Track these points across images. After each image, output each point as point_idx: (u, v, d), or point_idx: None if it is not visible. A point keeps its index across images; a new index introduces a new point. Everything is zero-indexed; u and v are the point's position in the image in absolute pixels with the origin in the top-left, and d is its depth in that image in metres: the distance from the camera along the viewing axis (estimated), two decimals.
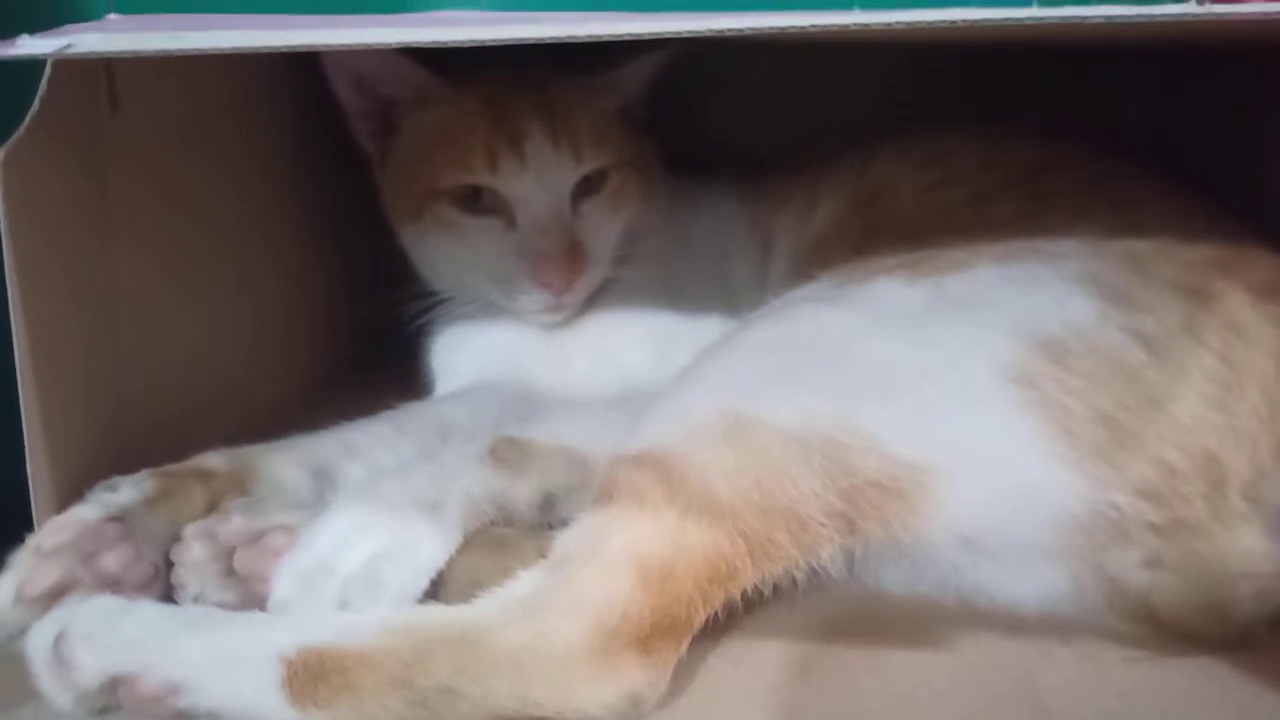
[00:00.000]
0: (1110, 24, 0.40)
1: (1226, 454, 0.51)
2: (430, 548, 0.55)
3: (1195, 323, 0.53)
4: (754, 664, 0.53)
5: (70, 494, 0.57)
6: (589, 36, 0.41)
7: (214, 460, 0.62)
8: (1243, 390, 0.52)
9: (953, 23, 0.42)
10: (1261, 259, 0.58)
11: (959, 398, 0.52)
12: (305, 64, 0.73)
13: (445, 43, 0.42)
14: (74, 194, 0.60)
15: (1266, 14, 0.40)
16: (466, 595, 0.51)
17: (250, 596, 0.55)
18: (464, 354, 0.80)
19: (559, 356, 0.77)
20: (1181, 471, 0.51)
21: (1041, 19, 0.40)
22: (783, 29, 0.41)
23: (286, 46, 0.43)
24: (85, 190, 0.61)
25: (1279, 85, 0.74)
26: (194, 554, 0.56)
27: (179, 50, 0.43)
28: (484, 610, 0.50)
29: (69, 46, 0.44)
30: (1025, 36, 0.56)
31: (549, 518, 0.60)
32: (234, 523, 0.57)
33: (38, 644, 0.49)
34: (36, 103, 0.54)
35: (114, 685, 0.48)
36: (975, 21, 0.42)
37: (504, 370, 0.77)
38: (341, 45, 0.43)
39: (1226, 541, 0.51)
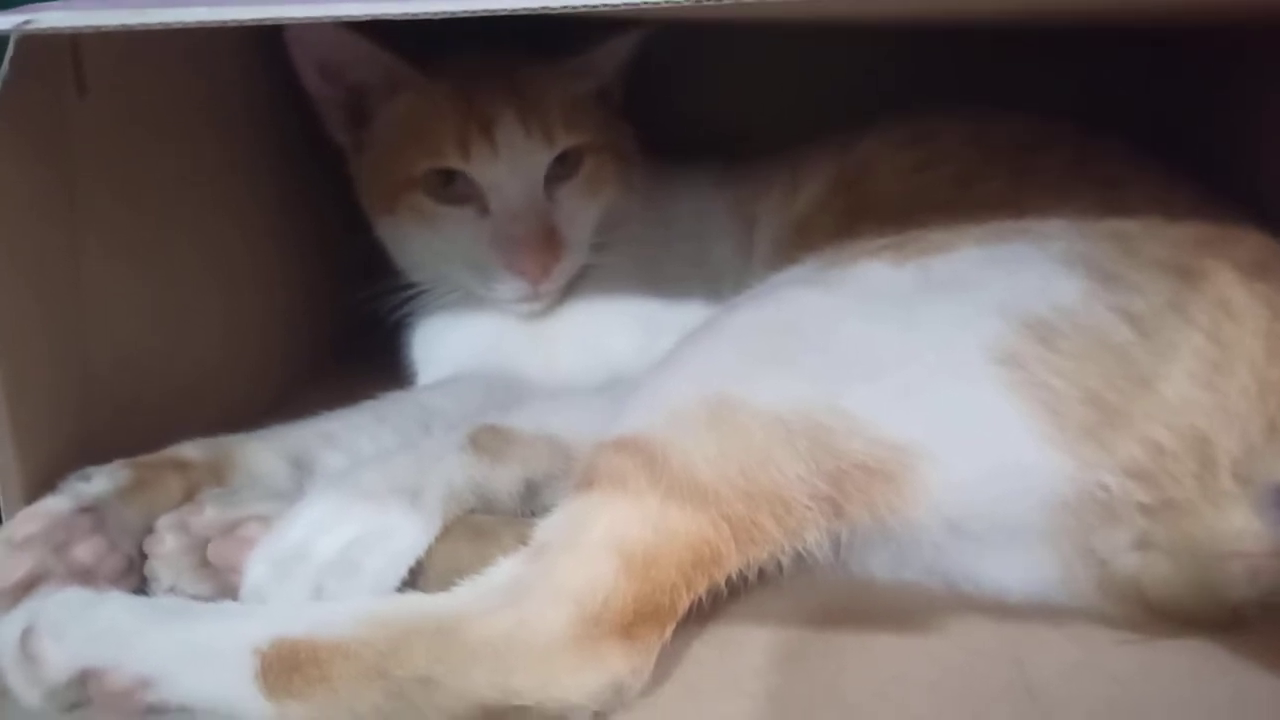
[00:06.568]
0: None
1: (1216, 433, 0.51)
2: (409, 535, 0.54)
3: (1183, 301, 0.53)
4: (739, 650, 0.52)
5: (41, 486, 0.56)
6: (542, 9, 0.40)
7: (190, 450, 0.61)
8: (1232, 369, 0.51)
9: None
10: (1249, 237, 0.58)
11: (945, 379, 0.52)
12: (279, 54, 0.72)
13: (415, 14, 0.41)
14: (39, 181, 0.58)
15: None
16: (446, 584, 0.50)
17: (225, 588, 0.54)
18: (445, 345, 0.80)
19: (542, 344, 0.77)
20: (1171, 451, 0.50)
21: None
22: (751, 2, 0.40)
23: (253, 19, 0.42)
24: (51, 177, 0.59)
25: (1258, 63, 0.73)
26: (167, 545, 0.55)
27: (142, 24, 0.42)
28: (463, 599, 0.49)
29: (29, 22, 0.43)
30: (1007, 15, 0.55)
31: (531, 506, 0.60)
32: (207, 513, 0.56)
33: (4, 639, 0.48)
34: None
35: (84, 680, 0.47)
36: None
37: (487, 360, 0.76)
38: (308, 17, 0.42)
39: (1217, 521, 0.51)
